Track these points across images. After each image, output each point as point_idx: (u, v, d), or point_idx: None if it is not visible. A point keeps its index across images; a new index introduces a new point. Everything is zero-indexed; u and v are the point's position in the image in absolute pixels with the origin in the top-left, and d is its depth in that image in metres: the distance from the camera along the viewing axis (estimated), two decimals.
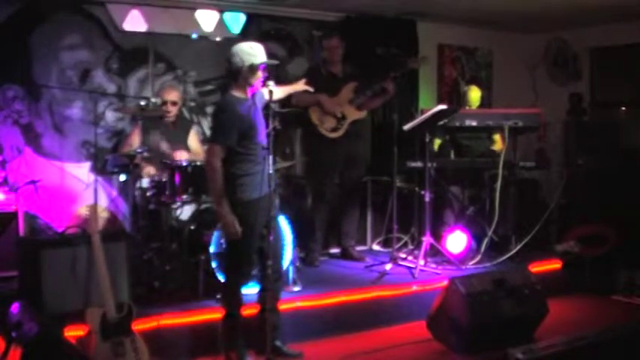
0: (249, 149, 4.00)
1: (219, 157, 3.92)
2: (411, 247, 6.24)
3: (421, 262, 5.53)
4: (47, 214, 5.51)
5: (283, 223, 4.91)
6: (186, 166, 4.84)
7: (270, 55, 4.19)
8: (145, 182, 5.05)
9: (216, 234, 4.69)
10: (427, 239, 5.62)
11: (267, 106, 4.26)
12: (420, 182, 5.92)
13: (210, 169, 3.93)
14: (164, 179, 4.86)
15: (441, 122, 5.74)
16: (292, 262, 5.00)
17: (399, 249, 5.98)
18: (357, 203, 6.28)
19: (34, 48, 5.48)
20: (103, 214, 5.68)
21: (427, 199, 5.67)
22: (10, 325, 3.71)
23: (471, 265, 5.70)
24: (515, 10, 6.61)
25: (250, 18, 6.28)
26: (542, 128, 6.87)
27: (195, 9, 6.02)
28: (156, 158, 5.13)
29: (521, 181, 6.33)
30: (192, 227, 4.98)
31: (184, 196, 4.85)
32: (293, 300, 4.73)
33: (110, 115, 5.80)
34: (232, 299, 4.11)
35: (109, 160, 5.28)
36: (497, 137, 6.33)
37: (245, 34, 6.15)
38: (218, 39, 6.14)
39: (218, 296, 4.37)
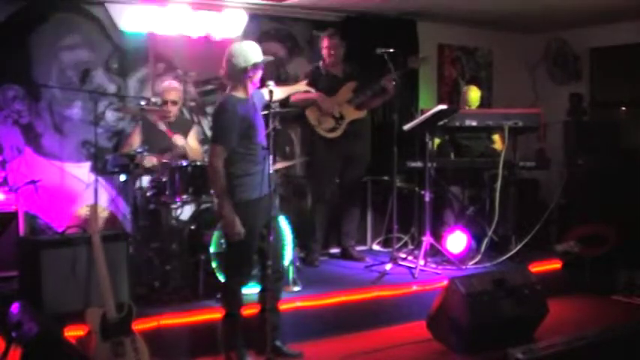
0: (249, 149, 4.00)
1: (221, 158, 3.92)
2: (411, 247, 6.24)
3: (421, 262, 5.53)
4: (47, 214, 5.51)
5: (283, 223, 4.91)
6: (186, 166, 4.83)
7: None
8: (145, 182, 5.05)
9: (216, 234, 4.69)
10: (427, 239, 5.62)
11: (267, 106, 4.27)
12: (420, 182, 5.92)
13: (212, 170, 3.93)
14: (164, 179, 4.86)
15: (441, 122, 5.74)
16: (292, 262, 5.00)
17: (399, 249, 5.98)
18: (357, 203, 6.27)
19: (34, 48, 5.47)
20: (103, 214, 5.68)
21: (427, 199, 5.67)
22: (10, 325, 3.71)
23: (470, 265, 5.70)
24: (515, 10, 6.61)
25: (250, 18, 6.28)
26: (542, 128, 6.86)
27: (195, 9, 6.01)
28: (175, 153, 5.11)
29: (521, 181, 6.32)
30: (192, 227, 4.98)
31: (184, 196, 4.84)
32: (293, 300, 4.73)
33: (110, 115, 5.79)
34: (232, 299, 4.11)
35: (109, 160, 5.27)
36: (497, 137, 6.33)
37: (245, 34, 6.15)
38: (218, 39, 6.14)
39: (218, 296, 4.37)
